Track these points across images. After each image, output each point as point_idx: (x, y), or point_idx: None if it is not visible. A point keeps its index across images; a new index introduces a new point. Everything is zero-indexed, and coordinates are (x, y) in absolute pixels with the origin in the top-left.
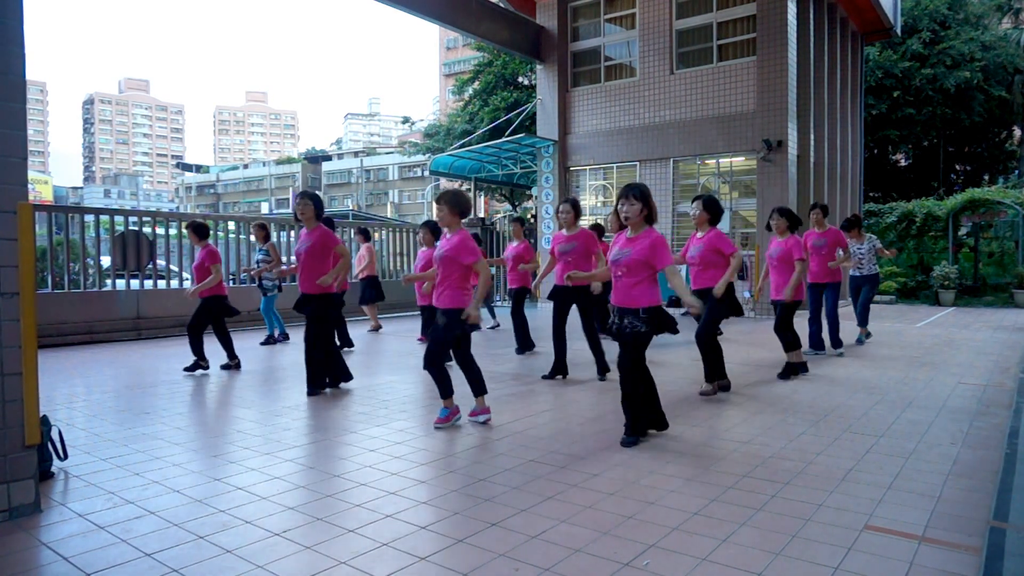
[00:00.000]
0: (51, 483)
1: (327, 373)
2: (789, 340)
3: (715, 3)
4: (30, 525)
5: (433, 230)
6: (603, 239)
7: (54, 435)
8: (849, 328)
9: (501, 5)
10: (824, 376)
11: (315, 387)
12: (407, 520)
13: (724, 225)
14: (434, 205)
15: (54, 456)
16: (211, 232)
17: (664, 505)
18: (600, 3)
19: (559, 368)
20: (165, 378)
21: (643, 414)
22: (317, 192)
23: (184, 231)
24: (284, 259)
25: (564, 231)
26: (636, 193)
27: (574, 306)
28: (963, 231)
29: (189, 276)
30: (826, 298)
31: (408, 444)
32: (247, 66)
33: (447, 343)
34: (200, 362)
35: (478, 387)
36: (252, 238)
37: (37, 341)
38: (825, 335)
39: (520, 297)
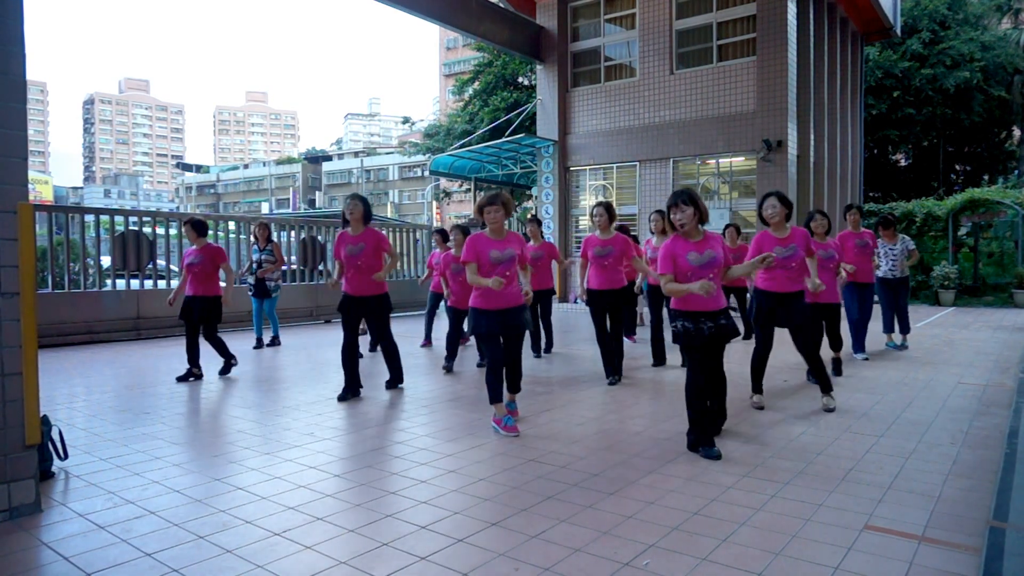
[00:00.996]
0: (51, 483)
1: (399, 369)
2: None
3: (715, 3)
4: (30, 525)
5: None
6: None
7: (54, 435)
8: (876, 333)
9: (501, 5)
10: None
11: (392, 383)
12: (407, 520)
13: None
14: (488, 208)
15: (54, 456)
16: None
17: (664, 505)
18: (600, 3)
19: (614, 370)
20: (165, 378)
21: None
22: (366, 196)
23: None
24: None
25: (598, 234)
26: (685, 199)
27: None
28: (963, 231)
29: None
30: (864, 299)
31: (408, 444)
32: (247, 66)
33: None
34: (194, 370)
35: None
36: (252, 238)
37: (37, 341)
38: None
39: (539, 300)
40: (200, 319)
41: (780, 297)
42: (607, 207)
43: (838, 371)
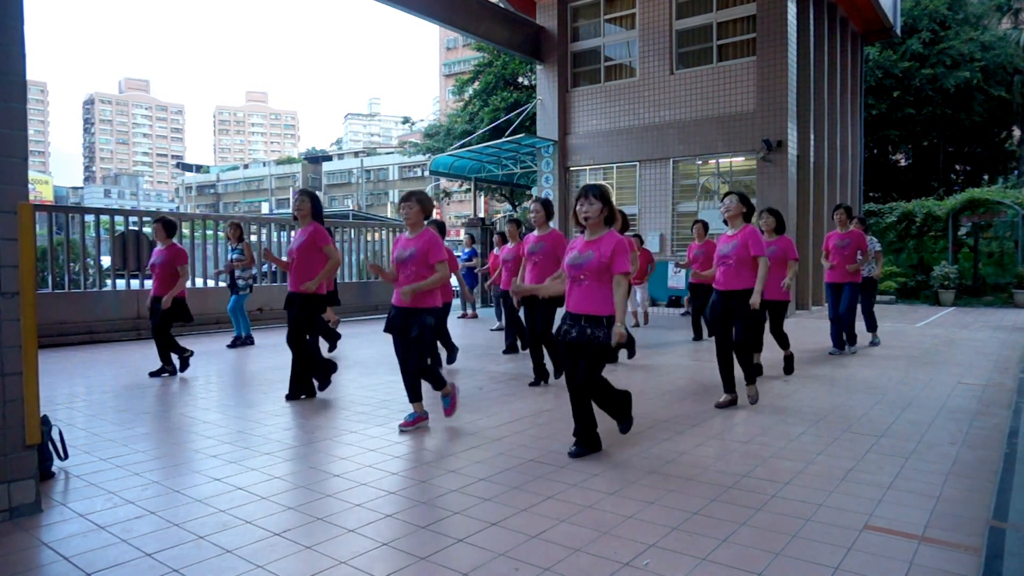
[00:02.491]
0: (51, 483)
1: (308, 379)
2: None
3: (715, 3)
4: (30, 525)
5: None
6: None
7: (54, 435)
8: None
9: (501, 5)
10: (824, 376)
11: (292, 393)
12: (407, 520)
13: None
14: (401, 204)
15: (54, 456)
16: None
17: (664, 505)
18: (600, 3)
19: (538, 373)
20: (165, 378)
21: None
22: (316, 191)
23: (186, 230)
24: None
25: (537, 231)
26: (596, 192)
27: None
28: (963, 231)
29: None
30: (844, 296)
31: (408, 444)
32: (247, 66)
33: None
34: (167, 366)
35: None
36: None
37: (37, 341)
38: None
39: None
40: (159, 316)
41: (723, 295)
42: (544, 203)
43: (789, 369)
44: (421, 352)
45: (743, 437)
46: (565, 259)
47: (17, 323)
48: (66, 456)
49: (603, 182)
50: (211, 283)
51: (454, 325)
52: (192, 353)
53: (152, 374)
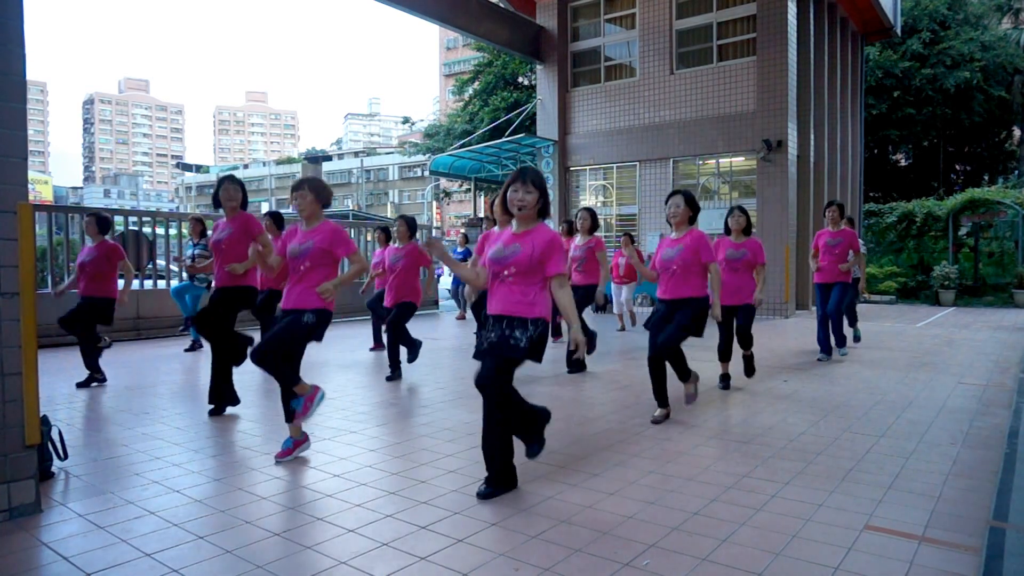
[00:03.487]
0: (51, 483)
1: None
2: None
3: (715, 3)
4: (30, 525)
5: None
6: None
7: (54, 435)
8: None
9: (501, 5)
10: (824, 376)
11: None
12: (407, 520)
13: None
14: (294, 193)
15: (54, 456)
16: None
17: (664, 505)
18: (600, 3)
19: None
20: (165, 378)
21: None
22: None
23: (184, 231)
24: None
25: (497, 230)
26: (531, 179)
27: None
28: (963, 231)
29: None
30: (833, 295)
31: (408, 444)
32: (247, 66)
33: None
34: (96, 375)
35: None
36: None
37: (37, 341)
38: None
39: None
40: (85, 319)
41: (668, 303)
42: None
43: (750, 370)
44: (281, 347)
45: (743, 437)
46: (487, 252)
47: (17, 323)
48: (66, 456)
49: (602, 184)
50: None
51: (452, 325)
52: (102, 382)
53: (80, 384)
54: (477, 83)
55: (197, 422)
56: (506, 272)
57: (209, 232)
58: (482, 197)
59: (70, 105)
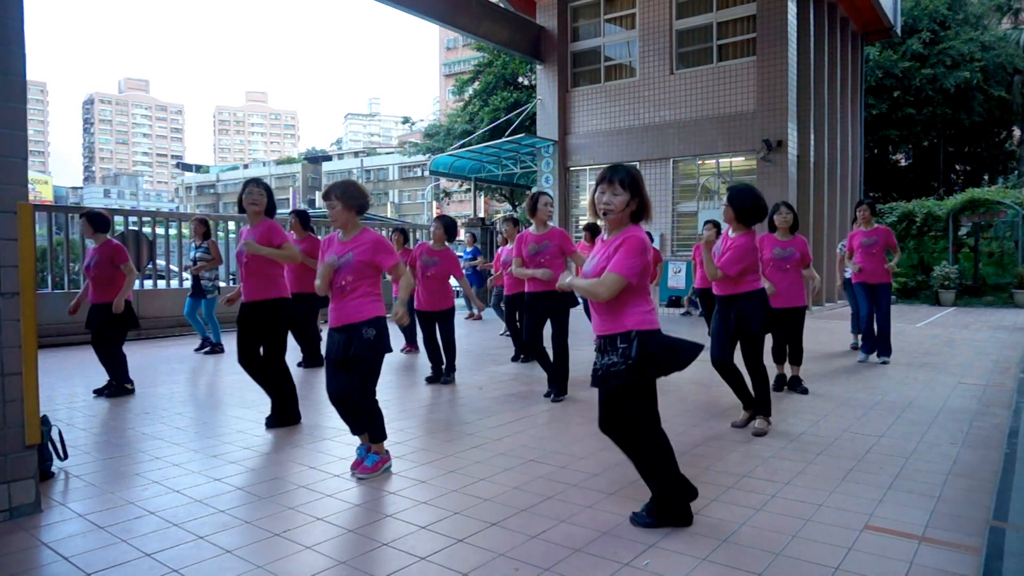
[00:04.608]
0: (51, 483)
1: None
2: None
3: (715, 3)
4: (30, 525)
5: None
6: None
7: (54, 435)
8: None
9: (501, 5)
10: (824, 376)
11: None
12: (407, 520)
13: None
14: (326, 203)
15: (54, 456)
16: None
17: None
18: (600, 3)
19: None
20: (165, 378)
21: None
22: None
23: (184, 231)
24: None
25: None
26: (625, 179)
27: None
28: (963, 231)
29: (183, 274)
30: (881, 298)
31: (408, 444)
32: (247, 66)
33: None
34: (114, 383)
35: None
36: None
37: (37, 341)
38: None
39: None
40: (101, 328)
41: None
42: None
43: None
44: (368, 384)
45: (743, 437)
46: (588, 264)
47: (17, 323)
48: (66, 456)
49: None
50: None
51: (458, 325)
52: (132, 392)
53: (98, 392)
54: (477, 83)
55: (197, 422)
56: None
57: (213, 235)
58: (482, 197)
59: (70, 105)
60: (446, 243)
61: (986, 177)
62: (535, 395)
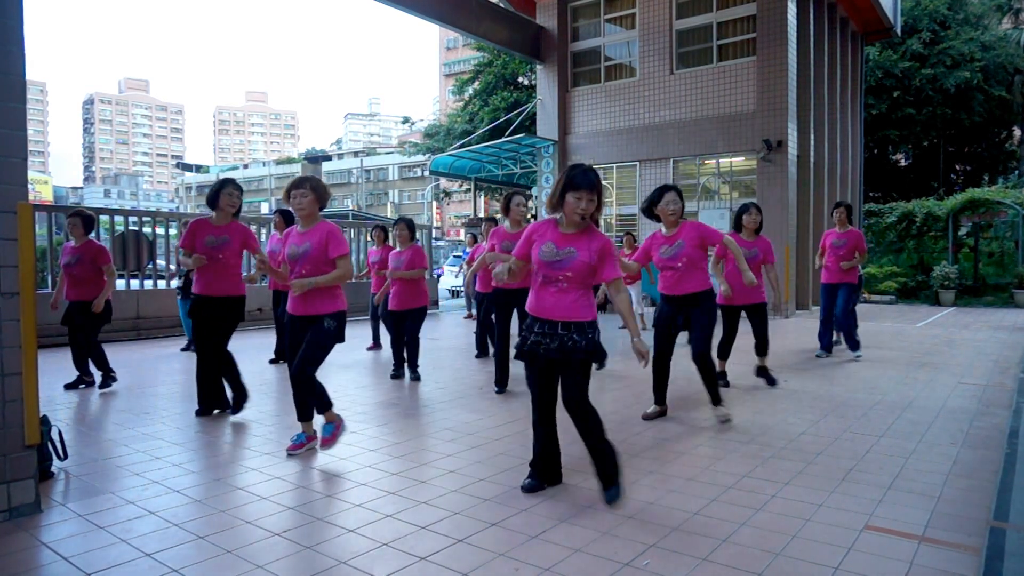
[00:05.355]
0: (51, 483)
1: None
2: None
3: (715, 3)
4: (30, 525)
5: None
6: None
7: (54, 435)
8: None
9: (501, 5)
10: (824, 376)
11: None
12: (407, 520)
13: (725, 225)
14: (293, 192)
15: (54, 456)
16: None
17: (664, 505)
18: (600, 3)
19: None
20: (165, 378)
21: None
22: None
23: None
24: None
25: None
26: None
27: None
28: (963, 231)
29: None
30: (840, 297)
31: (408, 444)
32: (247, 66)
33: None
34: (84, 377)
35: None
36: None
37: (37, 341)
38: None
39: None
40: (80, 324)
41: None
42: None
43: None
44: (315, 363)
45: (743, 437)
46: (536, 253)
47: (17, 323)
48: (66, 456)
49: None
50: (174, 283)
51: (453, 325)
52: (116, 379)
53: (68, 386)
54: (477, 83)
55: (197, 422)
56: (560, 278)
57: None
58: (482, 197)
59: (70, 105)
60: (412, 240)
61: (986, 177)
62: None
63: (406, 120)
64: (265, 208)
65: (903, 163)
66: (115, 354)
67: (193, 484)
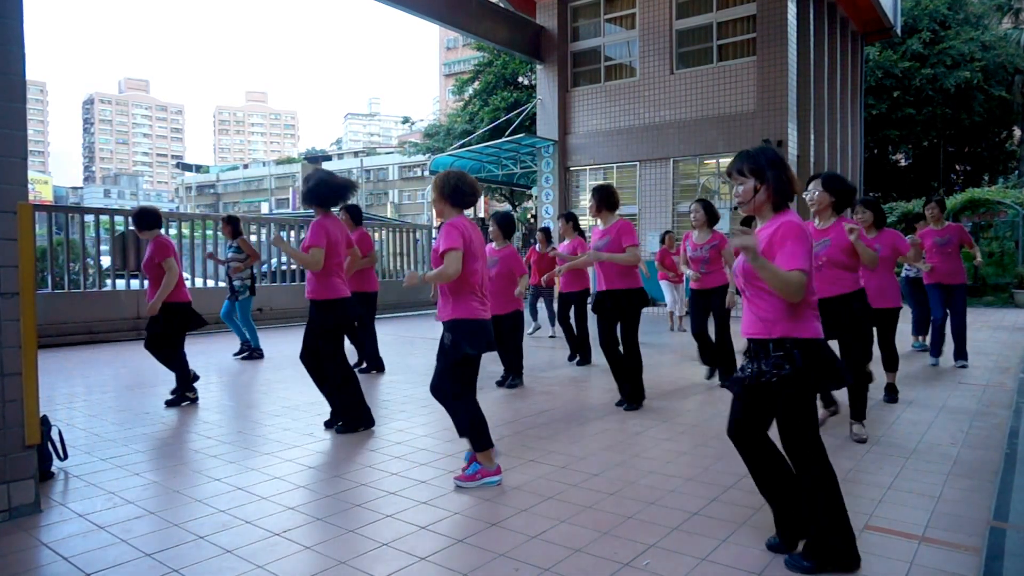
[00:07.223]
0: (51, 483)
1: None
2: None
3: (715, 3)
4: (30, 525)
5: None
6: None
7: (54, 435)
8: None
9: (501, 5)
10: None
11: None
12: (407, 520)
13: (723, 225)
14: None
15: (54, 456)
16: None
17: (664, 505)
18: (600, 3)
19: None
20: (165, 378)
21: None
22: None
23: (184, 231)
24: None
25: (600, 224)
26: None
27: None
28: None
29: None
30: (956, 302)
31: (408, 444)
32: (247, 66)
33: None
34: (186, 392)
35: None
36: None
37: (37, 341)
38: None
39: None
40: (151, 328)
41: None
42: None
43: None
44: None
45: None
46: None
47: (17, 323)
48: (66, 456)
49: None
50: (210, 283)
51: None
52: (193, 400)
53: (170, 403)
54: (477, 83)
55: (197, 422)
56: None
57: (244, 233)
58: (482, 197)
59: (70, 105)
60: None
61: (986, 177)
62: (534, 395)
63: (406, 120)
64: (265, 208)
65: (903, 163)
66: (115, 354)
67: (193, 484)
